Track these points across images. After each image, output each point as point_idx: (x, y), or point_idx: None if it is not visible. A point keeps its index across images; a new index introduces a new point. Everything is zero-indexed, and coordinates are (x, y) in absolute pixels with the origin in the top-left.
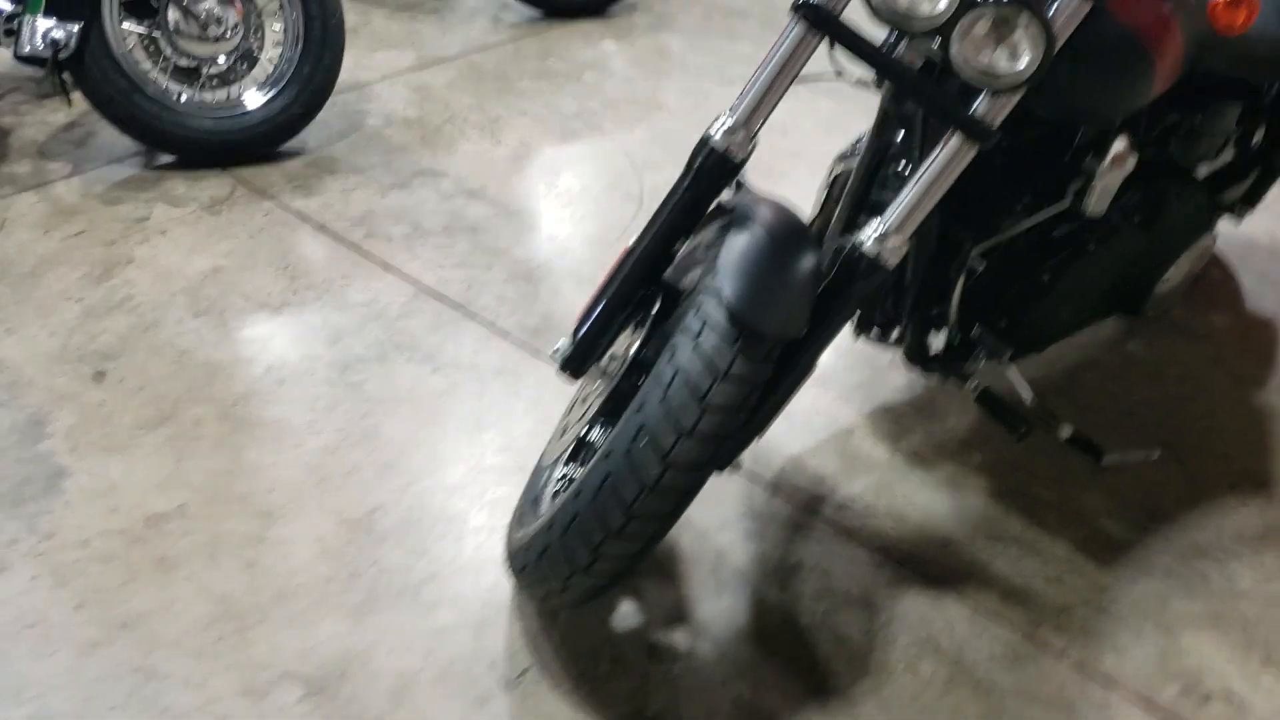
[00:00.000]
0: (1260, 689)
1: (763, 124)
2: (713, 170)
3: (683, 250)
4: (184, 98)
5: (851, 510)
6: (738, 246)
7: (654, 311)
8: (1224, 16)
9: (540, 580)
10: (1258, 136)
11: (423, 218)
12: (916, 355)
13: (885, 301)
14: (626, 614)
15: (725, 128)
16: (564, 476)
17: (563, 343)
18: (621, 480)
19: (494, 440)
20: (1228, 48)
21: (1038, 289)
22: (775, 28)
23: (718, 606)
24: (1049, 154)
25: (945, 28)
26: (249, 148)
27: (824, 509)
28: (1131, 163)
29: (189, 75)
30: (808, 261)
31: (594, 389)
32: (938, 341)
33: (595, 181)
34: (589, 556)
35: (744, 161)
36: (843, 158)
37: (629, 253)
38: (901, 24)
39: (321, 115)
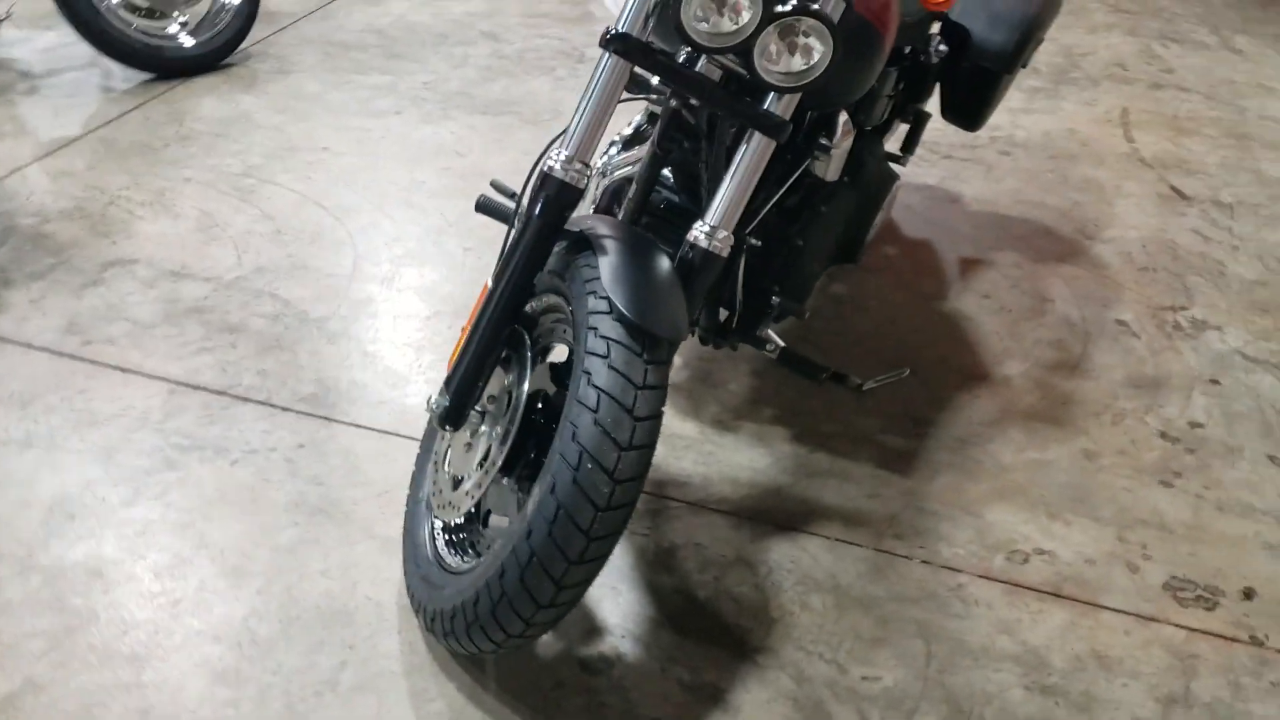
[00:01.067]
0: (1057, 538)
1: (594, 151)
2: (557, 201)
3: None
4: None
5: (691, 485)
6: (610, 265)
7: (528, 348)
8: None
9: (495, 629)
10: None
11: (136, 311)
12: (711, 334)
13: None
14: (544, 642)
15: (563, 159)
16: (461, 529)
17: (435, 397)
18: (575, 507)
19: (332, 513)
20: (922, 23)
21: (795, 251)
22: (399, 57)
23: (621, 607)
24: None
25: (745, 43)
26: None
27: (668, 491)
28: (853, 134)
29: None
30: (665, 265)
31: (472, 434)
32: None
33: (298, 236)
34: (553, 590)
35: (584, 189)
36: (604, 172)
37: (489, 294)
38: (706, 44)
39: None
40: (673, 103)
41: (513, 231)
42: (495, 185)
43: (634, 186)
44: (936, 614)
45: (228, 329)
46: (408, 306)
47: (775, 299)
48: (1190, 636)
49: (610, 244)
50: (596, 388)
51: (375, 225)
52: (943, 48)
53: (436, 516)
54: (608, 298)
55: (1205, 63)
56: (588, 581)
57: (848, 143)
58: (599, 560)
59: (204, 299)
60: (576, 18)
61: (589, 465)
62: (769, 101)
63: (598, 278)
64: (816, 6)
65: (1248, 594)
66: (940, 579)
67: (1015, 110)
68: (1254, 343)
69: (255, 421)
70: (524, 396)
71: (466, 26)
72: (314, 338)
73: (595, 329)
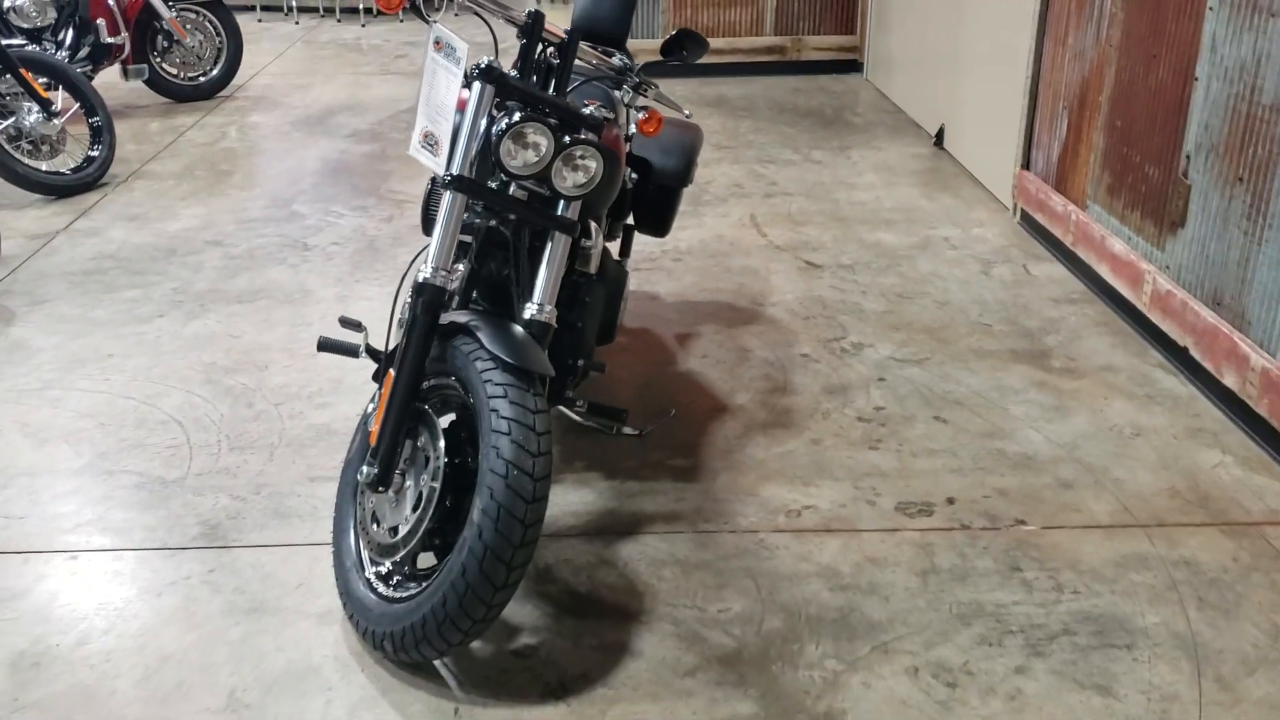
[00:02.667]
0: (814, 496)
1: (453, 261)
2: (434, 301)
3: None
4: None
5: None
6: (486, 334)
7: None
8: (644, 127)
9: (458, 623)
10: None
11: (10, 507)
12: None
13: None
14: (479, 648)
15: (431, 269)
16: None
17: (366, 470)
18: (512, 503)
19: (264, 609)
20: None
21: (578, 330)
22: (140, 273)
23: (526, 612)
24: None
25: (544, 170)
26: None
27: None
28: (603, 235)
29: None
30: (521, 330)
31: (396, 492)
32: None
33: (123, 424)
34: (505, 573)
35: (453, 290)
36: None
37: (394, 382)
38: (520, 174)
39: None
40: (492, 222)
41: (400, 335)
42: (343, 320)
43: (460, 282)
44: (752, 560)
45: (99, 501)
46: (243, 452)
47: (580, 363)
48: (923, 534)
49: (479, 321)
50: (505, 418)
51: (188, 404)
52: (634, 175)
53: (374, 563)
54: (494, 355)
55: (797, 173)
56: (529, 561)
57: (600, 242)
58: (534, 544)
59: (71, 490)
60: (285, 217)
61: (515, 472)
62: (561, 209)
63: (481, 345)
64: (588, 137)
65: (950, 501)
66: (746, 539)
67: (674, 229)
68: (897, 350)
69: (161, 563)
70: (442, 449)
71: (189, 240)
72: (180, 494)
73: (489, 380)
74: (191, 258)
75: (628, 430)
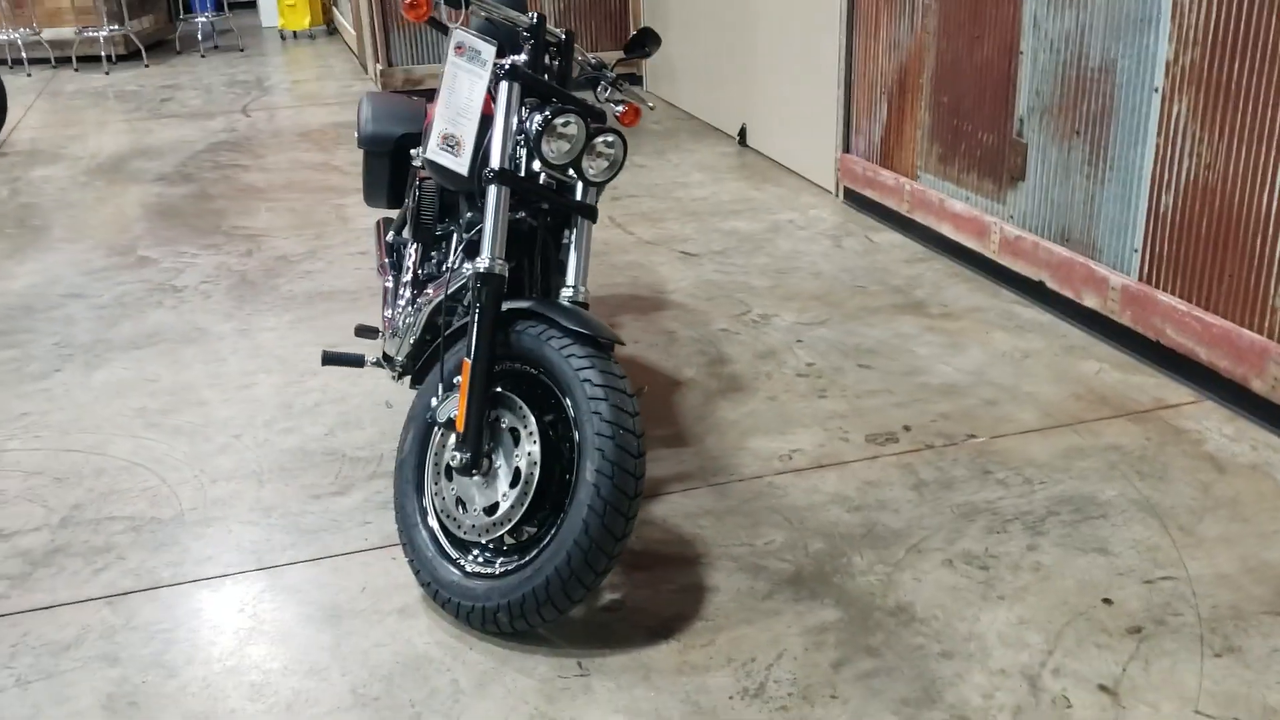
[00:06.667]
0: (795, 442)
1: (504, 250)
2: (498, 287)
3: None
4: None
5: None
6: (560, 314)
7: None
8: (624, 119)
9: (583, 578)
10: None
11: None
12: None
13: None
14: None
15: (490, 260)
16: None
17: (459, 455)
18: (622, 459)
19: (343, 613)
20: None
21: None
22: (3, 334)
23: None
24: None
25: (577, 160)
26: None
27: None
28: None
29: None
30: (577, 308)
31: (485, 474)
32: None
33: (82, 476)
34: (625, 524)
35: (507, 276)
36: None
37: (471, 372)
38: (557, 162)
39: None
40: (519, 214)
41: (474, 321)
42: (360, 330)
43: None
44: (771, 500)
45: (101, 550)
46: (229, 482)
47: None
48: (899, 457)
49: (542, 305)
50: (600, 385)
51: (142, 447)
52: None
53: (465, 546)
54: (571, 331)
55: (630, 177)
56: (636, 516)
57: None
58: (640, 497)
59: (62, 544)
60: (135, 263)
61: (621, 431)
62: (585, 195)
63: (554, 324)
64: (613, 126)
65: (907, 429)
66: (756, 484)
67: None
68: (800, 316)
69: (209, 593)
70: (534, 423)
71: (42, 296)
72: (186, 530)
73: (572, 355)
74: (55, 312)
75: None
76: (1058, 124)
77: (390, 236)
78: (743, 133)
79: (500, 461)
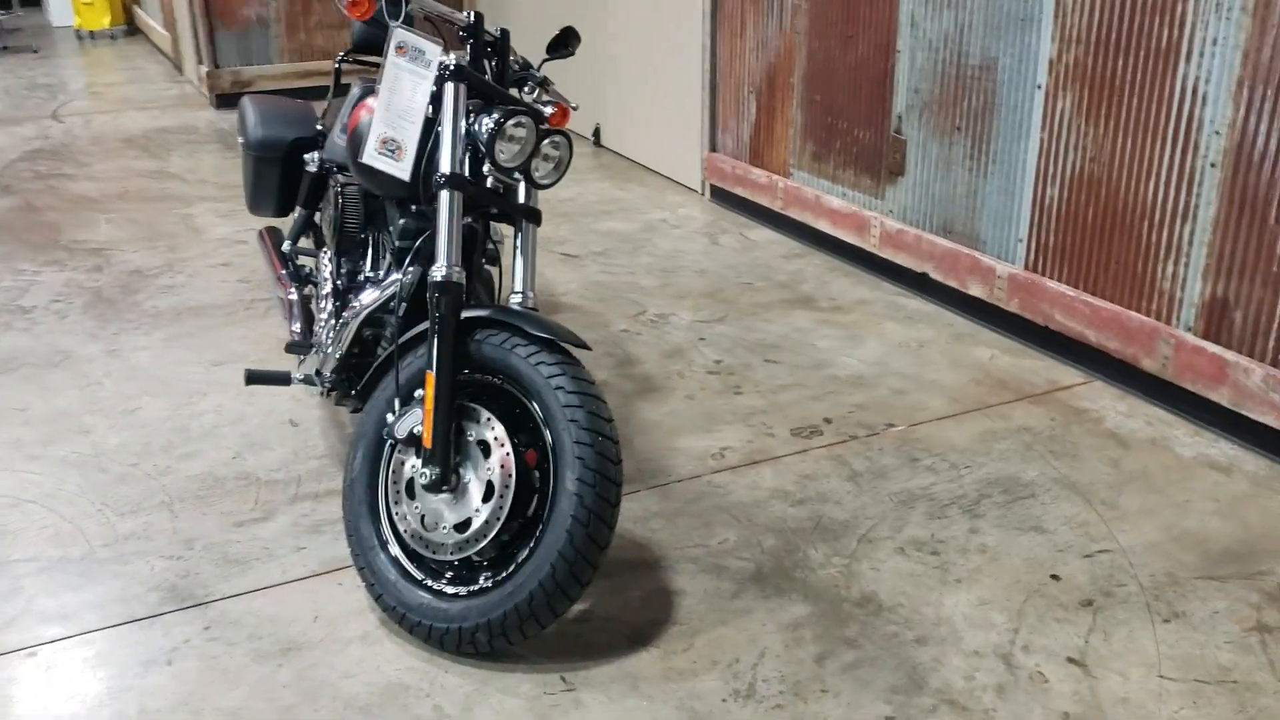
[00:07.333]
0: (724, 439)
1: (460, 257)
2: (456, 297)
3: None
4: None
5: None
6: (525, 322)
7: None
8: (554, 120)
9: (568, 590)
10: None
11: None
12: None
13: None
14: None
15: (448, 269)
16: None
17: (429, 472)
18: (604, 466)
19: (300, 649)
20: None
21: None
22: None
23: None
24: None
25: (526, 162)
26: None
27: None
28: None
29: None
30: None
31: (453, 490)
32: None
33: None
34: (607, 532)
35: (467, 284)
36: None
37: (435, 386)
38: (509, 164)
39: None
40: (465, 220)
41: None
42: (291, 346)
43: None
44: (715, 499)
45: (10, 594)
46: (138, 515)
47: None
48: (828, 449)
49: (502, 313)
50: (574, 392)
51: (29, 482)
52: None
53: (432, 566)
54: (538, 338)
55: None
56: (616, 523)
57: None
58: (620, 503)
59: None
60: None
61: (599, 438)
62: (528, 198)
63: (519, 332)
64: (560, 127)
65: (827, 421)
66: (697, 484)
67: None
68: (696, 314)
69: (144, 634)
70: (503, 433)
71: None
72: (103, 568)
73: (541, 363)
74: None
75: None
76: (938, 120)
77: (287, 246)
78: (597, 132)
79: (470, 476)
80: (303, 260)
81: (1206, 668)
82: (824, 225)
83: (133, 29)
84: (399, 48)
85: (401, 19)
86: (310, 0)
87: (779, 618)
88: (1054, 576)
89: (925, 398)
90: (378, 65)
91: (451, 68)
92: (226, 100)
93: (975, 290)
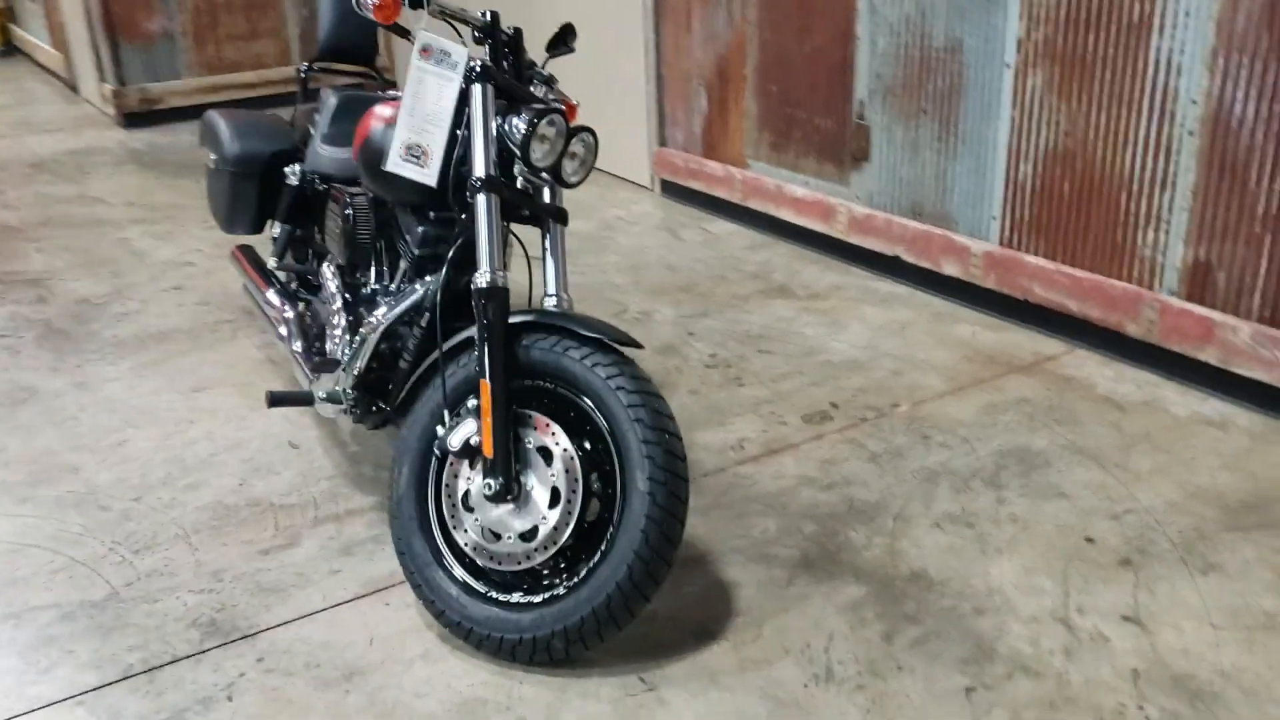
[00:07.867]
0: (739, 431)
1: (504, 262)
2: (503, 301)
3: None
4: None
5: None
6: (577, 324)
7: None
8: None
9: (644, 590)
10: None
11: None
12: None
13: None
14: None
15: (489, 273)
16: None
17: (492, 483)
18: (673, 464)
19: (368, 673)
20: None
21: None
22: None
23: None
24: None
25: (557, 162)
26: None
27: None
28: None
29: None
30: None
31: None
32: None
33: None
34: (680, 529)
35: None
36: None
37: (491, 395)
38: (542, 164)
39: None
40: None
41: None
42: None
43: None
44: (744, 490)
45: (37, 645)
46: (155, 552)
47: None
48: (842, 433)
49: (549, 316)
50: (635, 392)
51: (26, 525)
52: None
53: (498, 577)
54: (593, 340)
55: None
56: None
57: None
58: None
59: None
60: None
61: (667, 436)
62: (555, 198)
63: (572, 334)
64: (587, 125)
65: (834, 405)
66: (724, 477)
67: None
68: (679, 310)
69: (194, 671)
70: (565, 438)
71: None
72: (132, 608)
73: (598, 364)
74: None
75: None
76: (902, 104)
77: (273, 264)
78: None
79: (532, 482)
80: (283, 276)
81: (1253, 615)
82: (787, 214)
83: (11, 49)
84: (423, 50)
85: (426, 14)
86: (217, 11)
87: (836, 600)
88: (1088, 539)
89: (921, 377)
90: (348, 74)
91: (479, 69)
92: (135, 119)
93: (951, 270)
